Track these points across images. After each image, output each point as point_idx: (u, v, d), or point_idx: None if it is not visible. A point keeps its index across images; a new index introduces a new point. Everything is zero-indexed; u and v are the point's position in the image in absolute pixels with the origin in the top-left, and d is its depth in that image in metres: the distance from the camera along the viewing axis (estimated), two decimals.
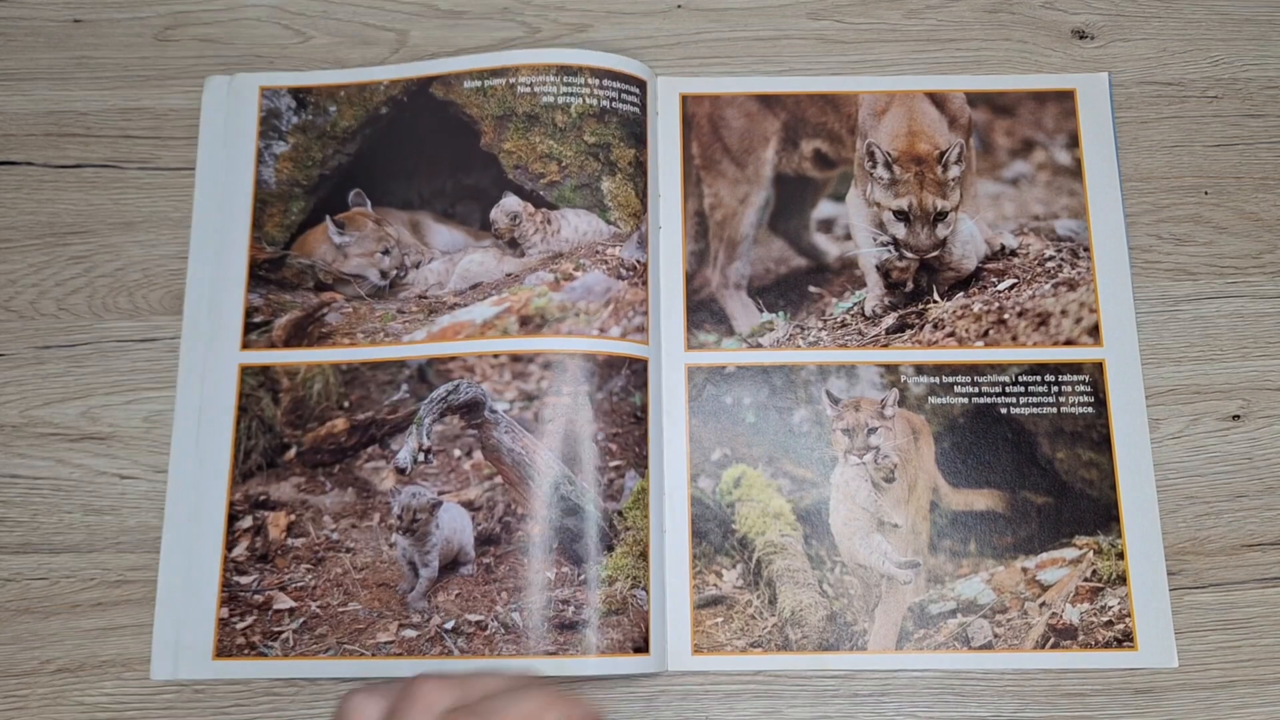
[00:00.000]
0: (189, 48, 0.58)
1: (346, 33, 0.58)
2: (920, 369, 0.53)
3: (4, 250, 0.55)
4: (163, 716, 0.48)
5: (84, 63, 0.58)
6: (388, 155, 0.55)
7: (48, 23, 0.58)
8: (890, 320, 0.54)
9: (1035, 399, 0.52)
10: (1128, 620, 0.49)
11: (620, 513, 0.50)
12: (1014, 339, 0.53)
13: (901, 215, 0.55)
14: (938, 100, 0.57)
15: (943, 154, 0.55)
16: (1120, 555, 0.50)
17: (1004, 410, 0.52)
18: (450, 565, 0.50)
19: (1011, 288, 0.54)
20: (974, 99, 0.57)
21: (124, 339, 0.53)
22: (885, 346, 0.53)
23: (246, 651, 0.49)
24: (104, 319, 0.54)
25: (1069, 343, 0.53)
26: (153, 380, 0.53)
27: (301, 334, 0.53)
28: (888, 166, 0.55)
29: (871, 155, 0.55)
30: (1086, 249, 0.55)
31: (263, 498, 0.51)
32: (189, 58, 0.58)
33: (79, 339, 0.53)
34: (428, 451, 0.51)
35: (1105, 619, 0.49)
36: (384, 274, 0.54)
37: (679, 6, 0.59)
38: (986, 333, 0.53)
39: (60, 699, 0.49)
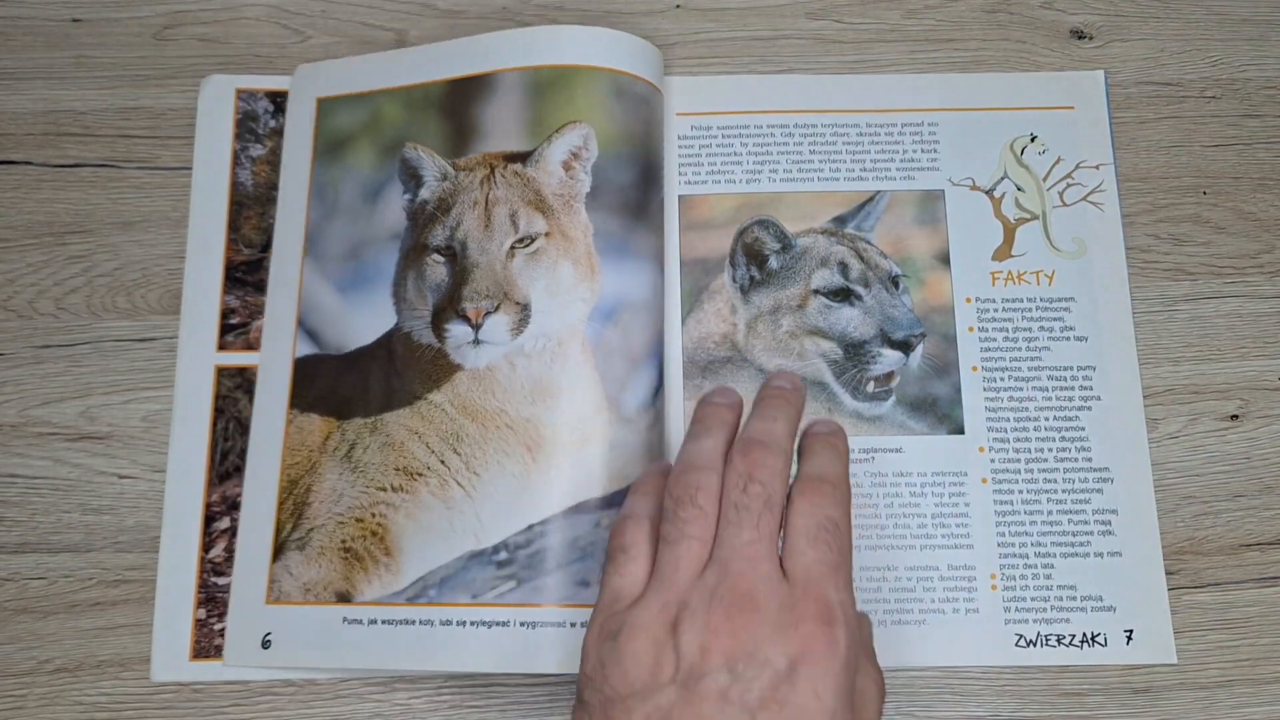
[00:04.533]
0: (188, 47, 0.58)
1: (345, 32, 0.58)
2: None
3: (2, 250, 0.55)
4: (161, 716, 0.48)
5: (82, 62, 0.58)
6: None
7: (46, 22, 0.58)
8: None
9: None
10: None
11: None
12: None
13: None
14: None
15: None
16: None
17: None
18: None
19: None
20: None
21: (122, 338, 0.53)
22: None
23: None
24: (102, 319, 0.54)
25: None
26: (151, 380, 0.53)
27: None
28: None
29: None
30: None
31: (240, 499, 0.51)
32: (187, 57, 0.58)
33: (77, 338, 0.53)
34: None
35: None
36: None
37: (678, 6, 0.59)
38: None
39: (58, 699, 0.49)
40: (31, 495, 0.51)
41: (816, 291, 0.54)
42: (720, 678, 0.33)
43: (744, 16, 0.59)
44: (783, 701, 0.33)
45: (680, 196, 0.55)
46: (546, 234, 0.50)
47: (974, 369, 0.53)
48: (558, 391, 0.49)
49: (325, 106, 0.55)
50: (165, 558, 0.50)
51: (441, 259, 0.51)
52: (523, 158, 0.52)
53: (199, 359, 0.53)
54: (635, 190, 0.52)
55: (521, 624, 0.46)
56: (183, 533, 0.50)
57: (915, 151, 0.56)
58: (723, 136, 0.56)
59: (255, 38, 0.58)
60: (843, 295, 0.53)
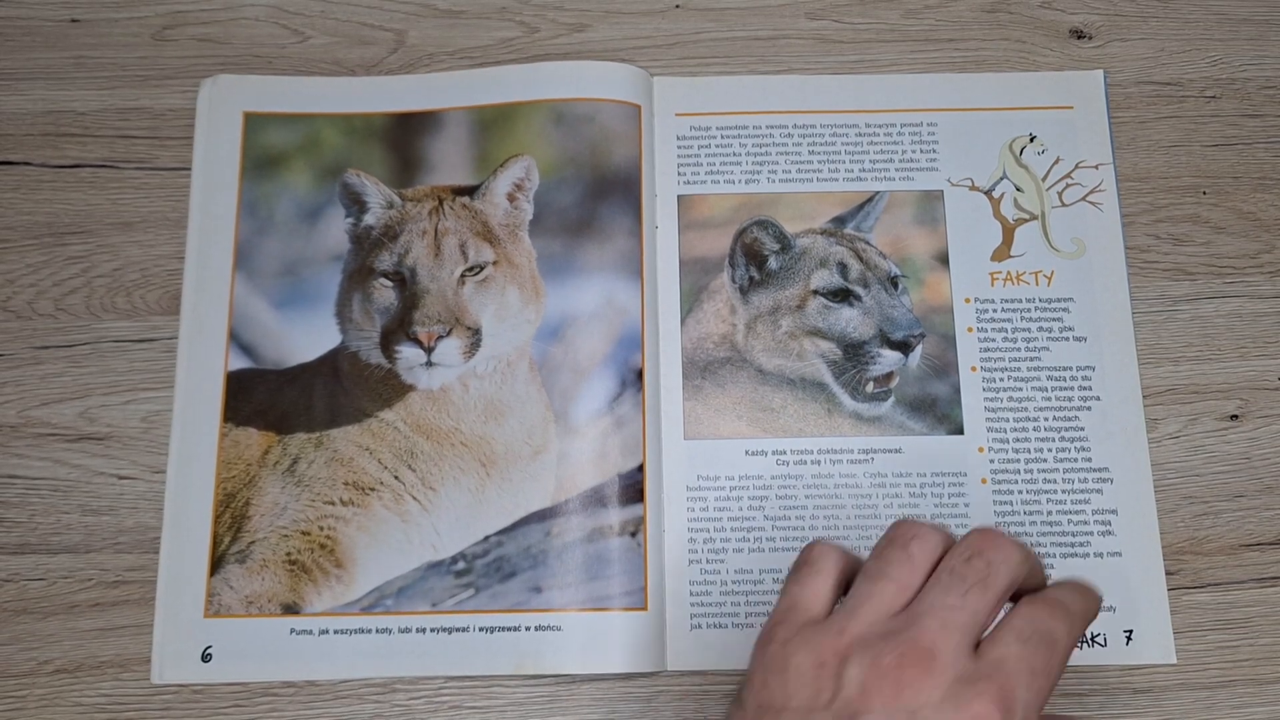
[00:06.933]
0: (187, 47, 0.58)
1: (345, 33, 0.58)
2: None
3: (1, 250, 0.55)
4: (160, 718, 0.48)
5: (82, 63, 0.58)
6: None
7: (45, 22, 0.58)
8: None
9: None
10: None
11: None
12: None
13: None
14: None
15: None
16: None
17: None
18: None
19: None
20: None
21: (122, 339, 0.53)
22: None
23: None
24: (102, 319, 0.54)
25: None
26: (151, 380, 0.53)
27: None
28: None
29: None
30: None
31: None
32: (187, 58, 0.58)
33: (77, 339, 0.53)
34: None
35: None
36: None
37: (677, 6, 0.59)
38: None
39: (58, 700, 0.49)
40: (31, 496, 0.51)
41: (816, 292, 0.54)
42: None
43: (744, 17, 0.59)
44: None
45: (679, 196, 0.55)
46: (494, 262, 0.53)
47: (973, 369, 0.53)
48: (508, 410, 0.51)
49: (255, 122, 0.55)
50: (165, 558, 0.50)
51: (390, 283, 0.52)
52: (470, 191, 0.54)
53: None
54: (578, 209, 0.54)
55: (480, 629, 0.49)
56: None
57: (914, 151, 0.56)
58: (722, 137, 0.56)
59: (255, 38, 0.58)
60: (842, 296, 0.53)
